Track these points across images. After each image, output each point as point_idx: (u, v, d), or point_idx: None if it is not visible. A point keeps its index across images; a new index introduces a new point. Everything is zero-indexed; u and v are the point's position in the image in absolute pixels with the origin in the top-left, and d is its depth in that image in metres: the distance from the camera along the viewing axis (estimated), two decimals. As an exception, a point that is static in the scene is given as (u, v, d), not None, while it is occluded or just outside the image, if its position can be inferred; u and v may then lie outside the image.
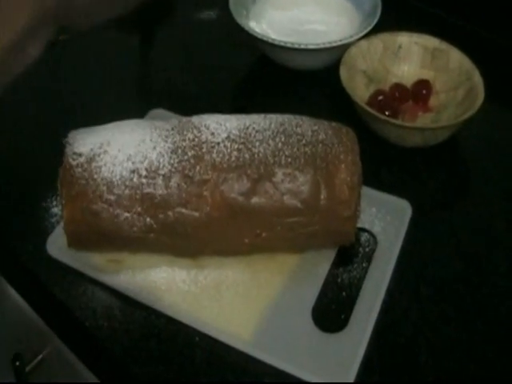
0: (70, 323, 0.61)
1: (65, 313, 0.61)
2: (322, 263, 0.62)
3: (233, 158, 0.57)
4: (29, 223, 0.67)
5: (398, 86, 0.78)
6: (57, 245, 0.63)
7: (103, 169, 0.57)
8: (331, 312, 0.59)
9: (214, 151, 0.57)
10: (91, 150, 0.58)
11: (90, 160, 0.57)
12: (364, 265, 0.62)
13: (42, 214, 0.67)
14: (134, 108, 0.78)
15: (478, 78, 0.73)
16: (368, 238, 0.64)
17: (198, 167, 0.57)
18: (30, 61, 0.52)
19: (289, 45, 0.78)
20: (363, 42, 0.78)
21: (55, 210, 0.67)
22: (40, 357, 0.85)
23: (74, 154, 0.58)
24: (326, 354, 0.55)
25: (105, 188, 0.56)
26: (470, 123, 0.70)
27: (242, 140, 0.58)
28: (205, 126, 0.59)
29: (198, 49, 0.89)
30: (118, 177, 0.56)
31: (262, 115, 0.61)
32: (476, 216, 0.68)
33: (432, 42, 0.79)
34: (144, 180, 0.56)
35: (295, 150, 0.57)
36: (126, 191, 0.56)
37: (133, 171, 0.56)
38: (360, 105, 0.71)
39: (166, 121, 0.61)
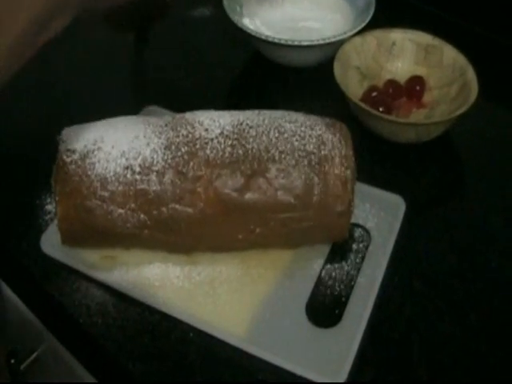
0: (64, 320, 0.61)
1: (59, 310, 0.60)
2: (315, 259, 0.62)
3: (226, 154, 0.57)
4: (23, 221, 0.66)
5: (391, 83, 0.78)
6: (51, 242, 0.63)
7: (97, 165, 0.57)
8: (325, 307, 0.59)
9: (208, 147, 0.57)
10: (85, 146, 0.58)
11: (84, 157, 0.57)
12: (358, 260, 0.62)
13: (35, 211, 0.67)
14: (128, 105, 0.78)
15: (471, 74, 0.73)
16: (362, 233, 0.65)
17: (191, 163, 0.57)
18: (52, 35, 0.52)
19: (282, 41, 0.78)
20: (357, 39, 0.79)
21: (49, 207, 0.67)
22: (35, 354, 0.85)
23: (68, 150, 0.58)
24: (320, 349, 0.56)
25: (99, 184, 0.56)
26: (463, 119, 0.70)
27: (236, 136, 0.58)
28: (198, 122, 0.59)
29: (192, 46, 0.89)
30: (111, 173, 0.56)
31: (256, 111, 0.61)
32: (469, 211, 0.68)
33: (425, 38, 0.79)
34: (138, 176, 0.56)
35: (289, 145, 0.57)
36: (120, 187, 0.56)
37: (126, 167, 0.56)
38: (354, 101, 0.71)
39: (160, 117, 0.61)
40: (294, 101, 0.81)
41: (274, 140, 0.58)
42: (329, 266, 0.62)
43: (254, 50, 0.85)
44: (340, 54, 0.76)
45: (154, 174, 0.56)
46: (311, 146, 0.58)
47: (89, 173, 0.57)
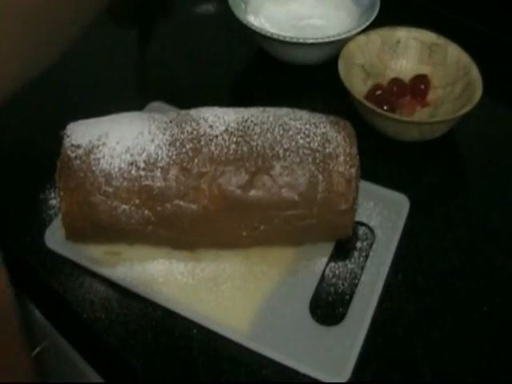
0: (68, 315, 0.61)
1: (62, 305, 0.61)
2: (319, 257, 0.62)
3: (231, 151, 0.57)
4: (27, 215, 0.67)
5: (395, 81, 0.78)
6: (55, 237, 0.63)
7: (101, 161, 0.57)
8: (329, 305, 0.59)
9: (212, 144, 0.57)
10: (89, 142, 0.58)
11: (89, 152, 0.57)
12: (361, 258, 0.62)
13: (40, 206, 0.67)
14: (132, 100, 0.78)
15: (475, 73, 0.73)
16: (365, 231, 0.65)
17: (196, 160, 0.57)
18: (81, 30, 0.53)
19: (287, 39, 0.78)
20: (361, 37, 0.79)
21: (53, 202, 0.67)
22: (38, 349, 0.85)
23: (72, 146, 0.58)
24: (323, 346, 0.56)
25: (103, 180, 0.57)
26: (467, 118, 0.70)
27: (240, 133, 0.58)
28: (203, 118, 0.59)
29: (196, 42, 0.89)
30: (116, 169, 0.57)
31: (261, 108, 0.61)
32: (473, 210, 0.69)
33: (430, 36, 0.79)
34: (142, 172, 0.56)
35: (293, 143, 0.57)
36: (124, 183, 0.56)
37: (131, 163, 0.57)
38: (358, 99, 0.71)
39: (165, 113, 0.61)
40: (298, 98, 0.81)
41: (278, 137, 0.58)
42: (332, 263, 0.62)
43: (259, 47, 0.85)
44: (344, 52, 0.76)
45: (159, 170, 0.56)
46: (316, 144, 0.58)
47: (93, 168, 0.57)
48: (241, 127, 0.58)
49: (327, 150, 0.58)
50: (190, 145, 0.57)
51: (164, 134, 0.58)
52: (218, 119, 0.59)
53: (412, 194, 0.67)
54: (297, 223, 0.58)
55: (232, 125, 0.58)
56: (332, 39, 0.78)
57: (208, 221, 0.58)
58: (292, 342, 0.56)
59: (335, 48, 0.78)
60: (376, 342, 0.57)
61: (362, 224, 0.65)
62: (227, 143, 0.57)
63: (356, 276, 0.61)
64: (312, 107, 0.63)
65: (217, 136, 0.57)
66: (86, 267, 0.61)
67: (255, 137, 0.57)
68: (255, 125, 0.58)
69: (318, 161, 0.57)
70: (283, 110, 0.61)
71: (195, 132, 0.58)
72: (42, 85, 0.81)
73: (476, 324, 0.59)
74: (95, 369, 0.66)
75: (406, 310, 0.60)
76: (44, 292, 0.63)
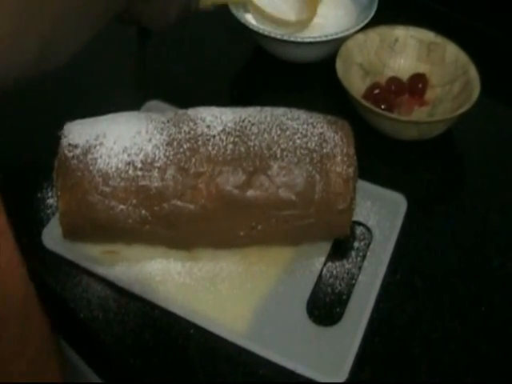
0: (65, 314, 0.61)
1: (60, 304, 0.61)
2: (317, 256, 0.62)
3: (228, 151, 0.57)
4: (24, 214, 0.66)
5: (394, 80, 0.78)
6: (52, 236, 0.63)
7: (99, 160, 0.57)
8: (326, 305, 0.59)
9: (210, 144, 0.57)
10: (87, 141, 0.58)
11: (86, 152, 0.57)
12: (359, 258, 0.62)
13: (37, 205, 0.67)
14: (129, 100, 0.77)
15: (473, 72, 0.73)
16: (363, 231, 0.65)
17: (193, 160, 0.57)
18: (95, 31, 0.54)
19: (285, 37, 0.78)
20: (360, 35, 0.78)
21: (51, 201, 0.67)
22: (35, 348, 0.85)
23: (70, 145, 0.58)
24: (320, 347, 0.56)
25: (100, 180, 0.56)
26: (465, 117, 0.70)
27: (238, 133, 0.58)
28: (200, 118, 0.59)
29: (194, 41, 0.89)
30: (113, 169, 0.56)
31: (258, 108, 0.61)
32: (471, 209, 0.68)
33: (428, 35, 0.78)
34: (139, 172, 0.56)
35: (291, 143, 0.57)
36: (122, 183, 0.56)
37: (128, 163, 0.56)
38: (356, 98, 0.71)
39: (162, 113, 0.61)
40: (296, 97, 0.81)
41: (275, 137, 0.57)
42: (330, 263, 0.62)
43: (257, 45, 0.85)
44: (342, 51, 0.76)
45: (156, 170, 0.56)
46: (313, 144, 0.58)
47: (90, 168, 0.57)
48: (238, 127, 0.58)
49: (324, 150, 0.58)
50: (188, 145, 0.57)
51: (161, 134, 0.58)
52: (215, 119, 0.59)
53: (410, 193, 0.67)
54: (294, 223, 0.58)
55: (229, 125, 0.58)
56: (330, 38, 0.78)
57: (205, 220, 0.58)
58: (289, 343, 0.56)
59: (333, 46, 0.78)
60: (373, 342, 0.57)
61: (360, 224, 0.65)
62: (224, 143, 0.57)
63: (353, 276, 0.61)
64: (310, 105, 0.62)
65: (214, 136, 0.57)
66: (84, 266, 0.61)
67: (252, 137, 0.57)
68: (252, 125, 0.58)
69: (315, 161, 0.57)
70: (280, 110, 0.60)
71: (192, 132, 0.58)
72: (39, 84, 0.81)
73: (474, 324, 0.59)
74: (92, 368, 0.66)
75: (403, 310, 0.60)
76: (41, 291, 0.63)
